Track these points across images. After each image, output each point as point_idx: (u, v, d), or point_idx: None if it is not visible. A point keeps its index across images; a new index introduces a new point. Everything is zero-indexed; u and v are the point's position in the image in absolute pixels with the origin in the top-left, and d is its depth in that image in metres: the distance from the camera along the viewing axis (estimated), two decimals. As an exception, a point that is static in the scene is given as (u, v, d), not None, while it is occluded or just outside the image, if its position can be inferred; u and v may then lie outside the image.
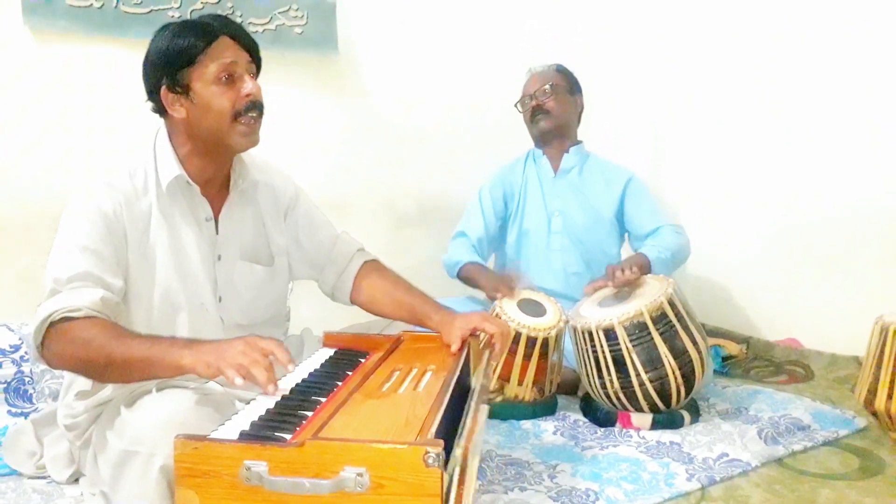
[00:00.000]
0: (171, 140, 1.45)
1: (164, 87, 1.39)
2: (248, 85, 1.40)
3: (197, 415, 1.19)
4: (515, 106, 2.52)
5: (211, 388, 1.36)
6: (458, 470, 1.03)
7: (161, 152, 1.44)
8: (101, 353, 1.22)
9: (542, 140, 2.48)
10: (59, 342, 1.25)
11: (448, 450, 0.97)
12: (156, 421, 1.16)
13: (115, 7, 2.22)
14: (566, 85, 2.47)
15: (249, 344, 1.19)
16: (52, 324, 1.25)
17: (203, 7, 2.36)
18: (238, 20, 2.41)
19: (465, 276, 2.40)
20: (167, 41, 1.38)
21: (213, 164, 1.48)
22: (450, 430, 1.13)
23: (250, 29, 2.31)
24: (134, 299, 1.41)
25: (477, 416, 1.28)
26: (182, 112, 1.40)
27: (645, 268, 2.25)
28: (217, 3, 2.39)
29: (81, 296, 1.27)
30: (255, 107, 1.42)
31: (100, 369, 1.25)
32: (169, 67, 1.38)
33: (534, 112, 2.44)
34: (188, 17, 2.32)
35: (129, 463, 1.16)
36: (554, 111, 2.42)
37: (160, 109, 1.44)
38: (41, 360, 1.31)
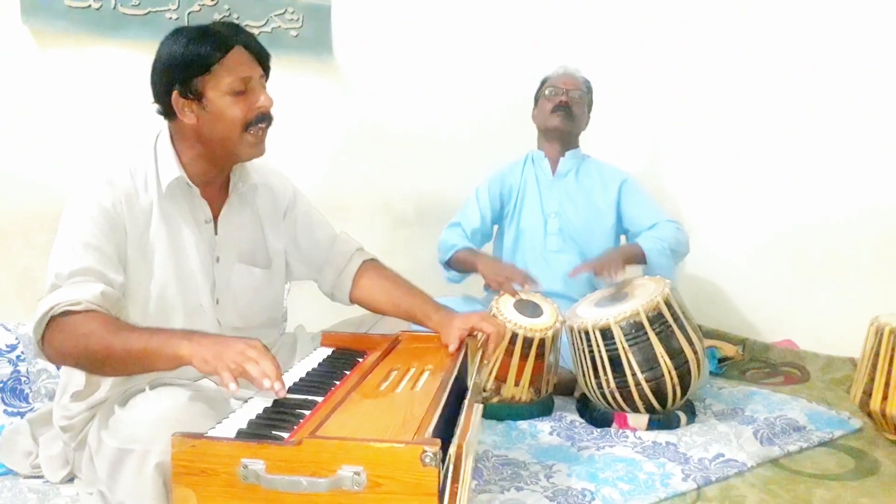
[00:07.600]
0: (173, 142, 1.46)
1: (175, 92, 1.40)
2: (261, 98, 1.43)
3: (189, 411, 1.19)
4: (541, 89, 2.51)
5: (204, 386, 1.36)
6: (451, 468, 1.03)
7: (162, 153, 1.45)
8: (101, 345, 1.22)
9: (550, 133, 2.49)
10: (60, 336, 1.26)
11: (445, 449, 0.98)
12: (149, 418, 1.17)
13: (114, 8, 2.22)
14: (588, 100, 2.52)
15: (250, 346, 1.19)
16: (52, 318, 1.26)
17: (200, 9, 2.36)
18: (234, 22, 2.41)
19: (462, 258, 2.41)
20: (182, 47, 1.38)
21: (215, 169, 1.49)
22: (447, 429, 1.13)
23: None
24: (130, 298, 1.41)
25: (471, 414, 1.29)
26: (192, 118, 1.41)
27: (637, 257, 2.26)
28: (214, 4, 2.39)
29: (82, 290, 1.28)
30: (265, 118, 1.45)
31: (99, 362, 1.25)
32: (183, 73, 1.38)
33: (559, 105, 2.45)
34: (185, 18, 2.33)
35: (124, 461, 1.16)
36: (577, 115, 2.46)
37: (167, 112, 1.44)
38: (42, 356, 1.31)
